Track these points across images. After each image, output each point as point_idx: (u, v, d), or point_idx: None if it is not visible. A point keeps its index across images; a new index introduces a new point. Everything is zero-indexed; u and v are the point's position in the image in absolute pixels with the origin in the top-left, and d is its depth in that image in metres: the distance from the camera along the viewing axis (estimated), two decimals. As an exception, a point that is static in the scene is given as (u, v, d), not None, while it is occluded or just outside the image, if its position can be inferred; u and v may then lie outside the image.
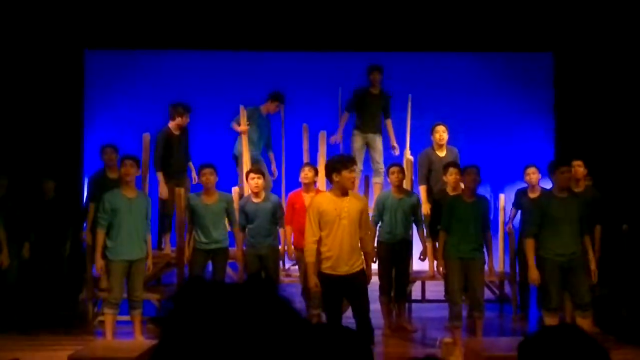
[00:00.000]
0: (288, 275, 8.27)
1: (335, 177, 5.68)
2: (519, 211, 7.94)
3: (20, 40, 9.44)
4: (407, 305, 8.14)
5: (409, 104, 9.03)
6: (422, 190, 8.08)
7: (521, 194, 7.99)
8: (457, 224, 6.70)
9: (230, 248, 8.41)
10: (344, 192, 5.72)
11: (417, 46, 10.16)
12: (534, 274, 6.37)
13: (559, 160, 6.73)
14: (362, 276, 5.84)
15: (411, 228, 7.59)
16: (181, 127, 8.31)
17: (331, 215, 5.66)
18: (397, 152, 8.88)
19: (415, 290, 8.58)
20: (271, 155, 9.04)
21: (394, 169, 7.45)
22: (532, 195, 7.75)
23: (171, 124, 8.25)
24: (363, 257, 5.87)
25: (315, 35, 9.95)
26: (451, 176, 7.26)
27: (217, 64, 10.39)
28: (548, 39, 10.22)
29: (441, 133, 8.12)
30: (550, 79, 10.59)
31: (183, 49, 10.24)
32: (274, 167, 8.99)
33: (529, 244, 6.43)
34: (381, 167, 8.70)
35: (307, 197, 7.12)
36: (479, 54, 10.51)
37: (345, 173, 5.63)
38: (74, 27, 9.81)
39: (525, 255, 7.69)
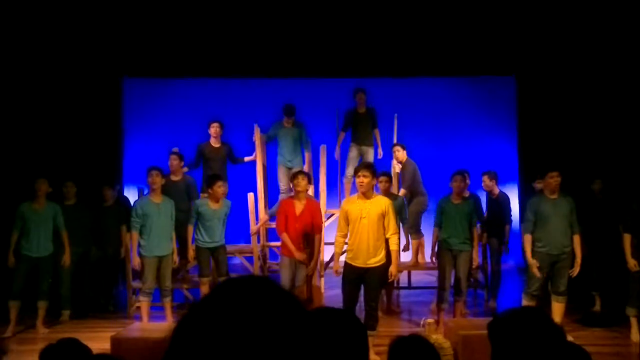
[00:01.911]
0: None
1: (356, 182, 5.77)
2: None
3: (70, 71, 9.47)
4: (394, 290, 8.16)
5: (395, 121, 9.04)
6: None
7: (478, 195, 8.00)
8: (447, 221, 6.72)
9: (246, 245, 8.45)
10: (365, 195, 5.67)
11: (401, 73, 10.20)
12: (531, 265, 6.19)
13: (549, 167, 6.42)
14: (379, 271, 5.71)
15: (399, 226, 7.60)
16: (217, 139, 8.32)
17: (354, 215, 5.67)
18: (380, 156, 8.82)
19: (402, 278, 8.57)
20: (307, 155, 8.75)
21: (383, 178, 7.42)
22: (491, 197, 7.81)
23: (211, 138, 8.33)
24: (384, 254, 5.73)
25: (318, 65, 9.99)
26: (455, 182, 6.91)
27: (236, 89, 10.41)
28: (511, 65, 10.25)
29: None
30: (513, 98, 10.60)
31: (207, 77, 10.29)
32: (306, 166, 8.71)
33: (526, 240, 6.28)
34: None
35: (298, 205, 6.50)
36: (453, 79, 10.51)
37: (355, 178, 5.71)
38: (114, 58, 9.86)
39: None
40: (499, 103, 10.62)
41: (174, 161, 7.82)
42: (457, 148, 10.35)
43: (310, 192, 8.36)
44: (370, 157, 8.72)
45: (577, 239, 6.19)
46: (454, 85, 10.61)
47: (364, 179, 5.61)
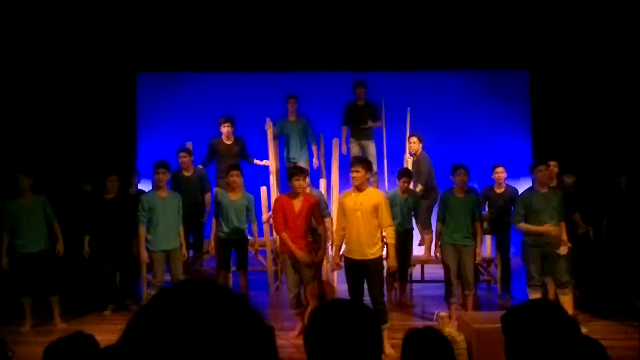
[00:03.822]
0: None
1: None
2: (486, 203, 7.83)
3: (85, 68, 9.52)
4: (408, 284, 8.14)
5: (408, 115, 8.98)
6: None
7: (488, 190, 7.77)
8: (451, 216, 6.69)
9: (260, 238, 8.44)
10: (359, 188, 5.76)
11: (415, 66, 10.12)
12: (544, 230, 6.33)
13: (537, 161, 6.67)
14: (377, 264, 5.77)
15: (412, 220, 7.59)
16: (228, 136, 8.31)
17: (349, 208, 5.78)
18: (377, 125, 8.78)
19: (415, 272, 8.55)
20: (314, 148, 8.70)
21: (405, 179, 7.41)
22: (498, 190, 7.68)
23: (223, 136, 8.34)
24: (380, 245, 5.83)
25: (331, 59, 9.92)
26: (458, 176, 6.86)
27: (249, 83, 10.39)
28: (526, 59, 10.14)
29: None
30: (527, 92, 10.50)
31: (221, 71, 10.29)
32: (315, 159, 8.64)
33: (522, 226, 6.48)
34: (374, 170, 8.73)
35: (297, 202, 6.29)
36: (467, 72, 10.40)
37: (350, 173, 5.80)
38: (128, 54, 9.90)
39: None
40: (513, 97, 10.52)
41: (184, 158, 7.85)
42: (470, 142, 10.27)
43: (323, 185, 8.35)
44: (371, 150, 8.66)
45: (562, 225, 6.38)
46: (467, 78, 10.52)
47: (356, 174, 5.76)
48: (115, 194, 7.51)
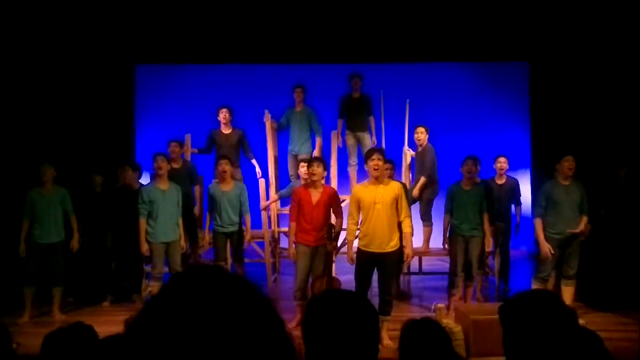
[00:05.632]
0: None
1: (366, 167, 5.73)
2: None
3: (84, 59, 9.50)
4: (406, 276, 8.15)
5: (407, 107, 8.95)
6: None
7: (489, 181, 7.68)
8: (458, 208, 6.71)
9: (258, 230, 8.45)
10: (378, 180, 5.65)
11: (413, 58, 10.10)
12: (544, 248, 6.29)
13: (563, 151, 6.50)
14: (394, 256, 5.71)
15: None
16: (227, 125, 8.26)
17: (367, 201, 5.64)
18: (374, 144, 8.57)
19: (413, 264, 8.55)
20: (318, 141, 8.54)
21: (387, 165, 7.34)
22: (499, 181, 7.67)
23: (221, 125, 8.30)
24: (398, 237, 5.73)
25: (330, 51, 9.91)
26: (465, 167, 6.83)
27: (249, 75, 10.37)
28: (525, 51, 10.13)
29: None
30: (526, 84, 10.48)
31: (218, 63, 10.26)
32: (316, 151, 8.46)
33: (537, 223, 6.39)
34: None
35: (315, 193, 6.25)
36: (465, 64, 10.38)
37: (369, 162, 5.66)
38: (126, 46, 9.87)
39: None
40: (511, 89, 10.51)
41: (175, 148, 7.81)
42: (468, 134, 10.27)
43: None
44: (367, 142, 8.62)
45: (584, 219, 6.31)
46: (466, 70, 10.50)
47: (379, 162, 5.60)
48: (131, 185, 7.52)
